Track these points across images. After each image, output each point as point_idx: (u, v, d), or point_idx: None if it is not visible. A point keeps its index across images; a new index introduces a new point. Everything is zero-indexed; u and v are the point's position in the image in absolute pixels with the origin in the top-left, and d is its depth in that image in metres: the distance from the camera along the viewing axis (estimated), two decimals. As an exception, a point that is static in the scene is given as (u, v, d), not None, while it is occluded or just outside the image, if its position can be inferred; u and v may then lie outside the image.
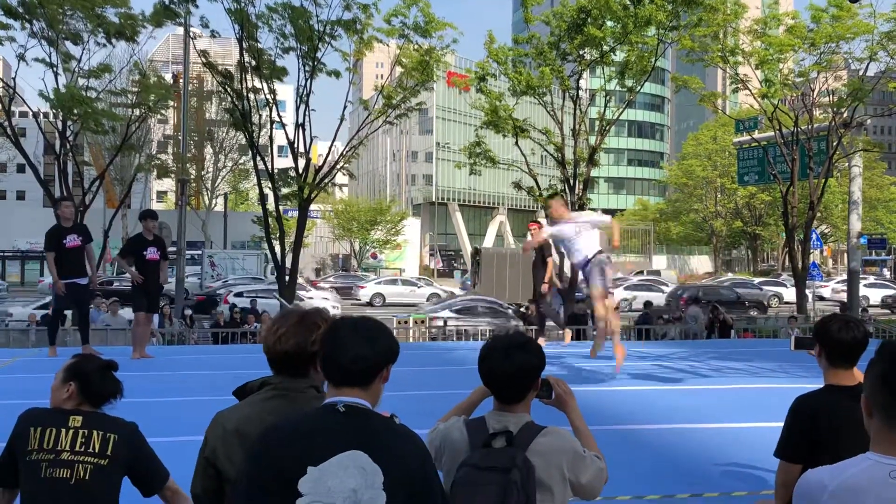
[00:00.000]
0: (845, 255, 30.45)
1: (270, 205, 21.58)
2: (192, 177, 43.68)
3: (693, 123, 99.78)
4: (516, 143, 21.44)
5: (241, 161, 50.71)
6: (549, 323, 11.46)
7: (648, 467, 5.38)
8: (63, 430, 2.80)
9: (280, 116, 21.41)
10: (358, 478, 1.90)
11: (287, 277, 20.94)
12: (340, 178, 41.43)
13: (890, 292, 37.58)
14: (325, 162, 23.00)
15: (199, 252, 42.67)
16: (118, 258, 10.63)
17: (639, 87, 22.35)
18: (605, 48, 21.07)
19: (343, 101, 21.13)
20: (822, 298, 32.83)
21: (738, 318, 23.69)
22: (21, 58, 19.90)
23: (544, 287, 10.68)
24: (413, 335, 18.91)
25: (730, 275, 57.06)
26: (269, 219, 21.62)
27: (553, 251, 10.53)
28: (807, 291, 24.40)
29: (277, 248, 21.31)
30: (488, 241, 66.93)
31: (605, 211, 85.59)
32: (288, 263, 21.12)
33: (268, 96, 20.60)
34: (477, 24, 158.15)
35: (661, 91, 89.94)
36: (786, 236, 26.77)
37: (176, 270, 21.40)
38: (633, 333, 17.37)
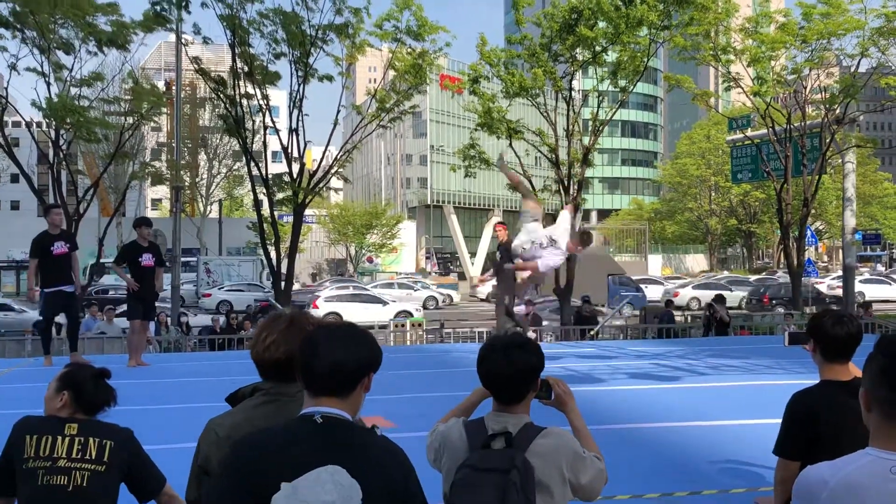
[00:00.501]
0: (840, 251, 30.45)
1: (265, 210, 21.57)
2: (186, 184, 43.66)
3: (686, 122, 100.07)
4: (510, 144, 21.40)
5: (235, 167, 50.63)
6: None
7: (647, 466, 5.39)
8: (59, 438, 2.81)
9: (273, 122, 21.38)
10: (334, 493, 1.78)
11: (283, 283, 20.93)
12: (335, 181, 41.41)
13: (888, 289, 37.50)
14: (319, 166, 22.98)
15: (195, 259, 42.61)
16: (113, 266, 10.59)
17: (631, 87, 22.32)
18: (598, 48, 21.07)
19: (336, 106, 21.02)
20: (819, 295, 32.85)
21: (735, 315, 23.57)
22: (13, 67, 19.83)
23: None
24: (410, 338, 18.91)
25: (725, 273, 57.17)
26: (265, 224, 21.60)
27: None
28: (802, 288, 24.41)
29: (273, 254, 21.30)
30: (484, 243, 66.91)
31: (601, 212, 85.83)
32: (284, 269, 21.11)
33: (261, 102, 20.58)
34: (469, 26, 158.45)
35: (653, 91, 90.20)
36: (781, 233, 26.78)
37: (171, 278, 21.35)
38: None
